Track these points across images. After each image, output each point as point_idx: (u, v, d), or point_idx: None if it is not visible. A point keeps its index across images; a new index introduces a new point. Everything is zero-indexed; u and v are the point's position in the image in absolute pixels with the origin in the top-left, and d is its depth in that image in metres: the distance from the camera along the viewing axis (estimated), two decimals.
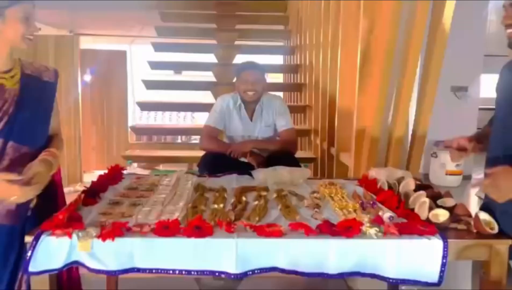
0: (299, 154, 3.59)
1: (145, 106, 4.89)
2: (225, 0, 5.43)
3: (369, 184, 2.09)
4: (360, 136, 2.54)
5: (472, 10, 4.08)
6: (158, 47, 5.08)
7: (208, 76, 5.65)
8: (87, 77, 6.57)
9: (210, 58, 5.28)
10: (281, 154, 2.64)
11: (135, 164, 5.89)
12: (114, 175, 2.13)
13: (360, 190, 2.05)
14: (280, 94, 6.05)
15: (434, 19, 2.23)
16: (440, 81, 6.19)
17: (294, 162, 2.63)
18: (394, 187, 1.99)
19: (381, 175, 2.13)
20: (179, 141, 8.69)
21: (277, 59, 6.89)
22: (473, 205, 3.79)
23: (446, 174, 5.77)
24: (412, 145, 2.41)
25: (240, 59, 5.16)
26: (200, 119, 9.65)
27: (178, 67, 6.02)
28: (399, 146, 2.36)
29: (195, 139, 8.47)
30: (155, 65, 4.87)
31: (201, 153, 2.79)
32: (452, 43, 5.10)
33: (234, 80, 2.79)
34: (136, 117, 10.03)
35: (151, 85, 4.56)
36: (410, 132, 2.58)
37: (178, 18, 5.40)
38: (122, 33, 7.72)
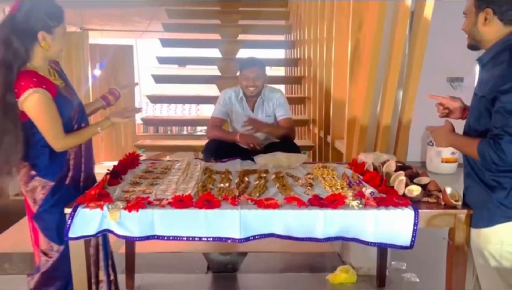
0: (299, 142, 3.86)
1: (154, 99, 5.16)
2: None
3: (357, 166, 2.37)
4: (351, 125, 2.80)
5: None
6: (165, 43, 5.36)
7: (212, 70, 5.90)
8: (97, 72, 6.85)
9: (215, 52, 5.55)
10: (283, 141, 2.92)
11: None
12: (132, 160, 2.41)
13: (349, 172, 2.32)
14: (282, 86, 6.30)
15: (416, 17, 2.48)
16: (437, 73, 6.45)
17: (294, 148, 2.90)
18: (379, 168, 2.25)
19: (369, 159, 2.41)
20: (184, 132, 9.00)
21: (279, 53, 7.13)
22: None
23: (442, 162, 6.05)
24: (398, 132, 2.67)
25: (243, 53, 5.41)
26: (205, 111, 9.93)
27: (184, 61, 6.27)
28: (386, 133, 2.62)
29: (200, 131, 8.78)
30: (163, 60, 5.14)
31: (206, 140, 3.07)
32: (448, 36, 5.33)
33: (238, 73, 3.05)
34: (143, 110, 10.33)
35: (160, 79, 4.83)
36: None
37: (184, 14, 5.65)
38: (130, 29, 7.96)
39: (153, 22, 6.96)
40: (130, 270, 2.61)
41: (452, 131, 1.74)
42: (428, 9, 2.39)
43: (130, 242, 2.54)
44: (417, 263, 3.04)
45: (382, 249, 2.68)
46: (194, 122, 6.79)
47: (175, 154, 4.73)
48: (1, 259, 3.20)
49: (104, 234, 1.84)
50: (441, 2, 2.55)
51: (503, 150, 1.49)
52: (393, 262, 3.09)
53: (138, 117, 8.48)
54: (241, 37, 5.49)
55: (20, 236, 3.83)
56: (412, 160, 6.50)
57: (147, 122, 5.31)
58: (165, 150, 4.67)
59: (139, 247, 2.70)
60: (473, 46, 1.73)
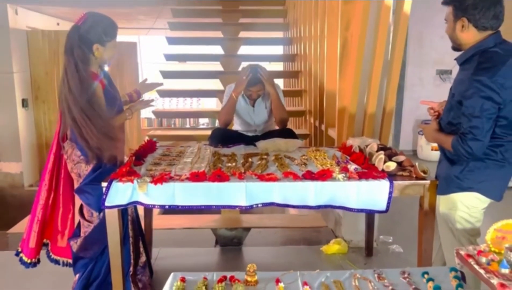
0: (296, 131, 4.21)
1: (163, 94, 5.51)
2: None
3: (345, 149, 2.73)
4: (341, 113, 3.16)
5: None
6: (171, 41, 5.71)
7: (214, 65, 6.23)
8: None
9: (217, 49, 5.89)
10: (282, 130, 3.27)
11: None
12: (150, 146, 2.78)
13: (338, 153, 2.69)
14: (281, 80, 6.65)
15: (396, 16, 2.83)
16: (427, 65, 6.76)
17: (292, 135, 3.24)
18: (363, 150, 2.62)
19: (356, 142, 2.77)
20: (187, 126, 9.34)
21: (278, 49, 7.47)
22: None
23: (432, 150, 6.41)
24: (382, 119, 3.03)
25: (244, 50, 5.76)
26: (206, 104, 10.27)
27: (189, 58, 6.61)
28: (372, 120, 2.98)
29: (203, 124, 9.13)
30: (169, 57, 5.49)
31: (209, 132, 3.42)
32: (438, 31, 5.64)
33: (239, 68, 3.38)
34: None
35: (167, 74, 5.18)
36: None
37: (188, 13, 5.98)
38: (135, 26, 8.28)
39: (158, 20, 7.29)
40: (148, 244, 2.97)
41: (437, 130, 2.06)
42: (407, 8, 2.74)
43: (148, 220, 2.92)
44: (402, 237, 3.41)
45: (369, 223, 3.06)
46: (199, 114, 7.22)
47: (186, 143, 5.10)
48: None
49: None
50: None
51: (469, 146, 1.83)
52: (381, 236, 3.46)
53: (143, 112, 8.84)
54: (242, 34, 5.82)
55: None
56: (405, 148, 6.87)
57: (157, 114, 5.69)
58: (173, 139, 5.04)
59: (155, 224, 3.07)
60: (455, 48, 2.00)
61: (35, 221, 2.28)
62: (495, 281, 1.52)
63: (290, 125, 4.94)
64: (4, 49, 6.13)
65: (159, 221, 3.54)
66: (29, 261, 2.30)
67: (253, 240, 3.39)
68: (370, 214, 2.96)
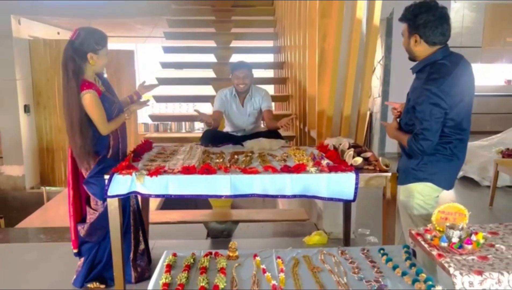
0: (283, 133, 4.54)
1: (159, 99, 5.82)
2: (222, 8, 6.36)
3: (322, 147, 3.05)
4: (320, 116, 3.48)
5: None
6: (167, 50, 6.05)
7: (207, 72, 6.57)
8: (105, 75, 7.47)
9: (210, 57, 6.23)
10: (269, 131, 3.59)
11: None
12: (146, 145, 3.08)
13: (316, 151, 3.00)
14: (271, 86, 6.98)
15: (367, 27, 3.15)
16: (410, 72, 7.09)
17: (277, 136, 3.55)
18: (338, 148, 2.93)
19: (332, 142, 3.09)
20: (183, 130, 9.64)
21: (269, 57, 7.82)
22: None
23: None
24: (357, 121, 3.35)
25: (235, 58, 6.09)
26: (201, 109, 10.59)
27: (184, 66, 6.94)
28: (347, 122, 3.29)
29: (198, 129, 9.44)
30: (165, 65, 5.83)
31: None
32: None
33: (230, 76, 3.72)
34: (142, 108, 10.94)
35: (163, 81, 5.48)
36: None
37: (182, 24, 6.32)
38: (132, 35, 8.61)
39: (154, 29, 7.62)
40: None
41: (396, 129, 2.37)
42: (376, 21, 3.06)
43: (145, 214, 3.21)
44: (379, 230, 3.68)
45: (346, 216, 3.36)
46: (193, 118, 7.49)
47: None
48: (37, 232, 3.87)
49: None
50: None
51: (421, 145, 2.14)
52: (359, 229, 3.77)
53: (140, 118, 9.13)
54: (234, 43, 6.15)
55: (47, 216, 4.52)
56: (390, 151, 7.19)
57: (154, 118, 6.00)
58: (169, 141, 5.35)
59: (151, 218, 3.37)
60: (411, 59, 2.31)
61: (70, 217, 2.63)
62: (435, 252, 1.83)
63: None
64: (8, 57, 6.45)
65: (155, 216, 3.84)
66: (74, 251, 2.68)
67: (242, 232, 3.69)
68: (347, 208, 3.26)
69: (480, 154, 5.38)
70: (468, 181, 5.22)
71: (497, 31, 8.61)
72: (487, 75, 9.49)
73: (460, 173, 5.31)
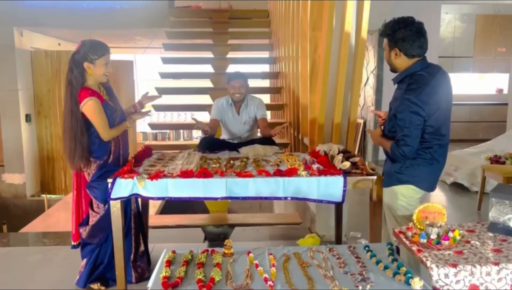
0: (278, 141, 4.71)
1: (158, 108, 5.99)
2: (219, 20, 6.56)
3: (314, 153, 3.20)
4: (312, 124, 3.64)
5: (426, 17, 5.05)
6: (166, 60, 6.24)
7: (205, 82, 6.75)
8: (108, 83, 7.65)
9: (208, 68, 6.42)
10: (263, 138, 3.75)
11: None
12: (147, 151, 3.23)
13: (308, 157, 3.16)
14: (267, 95, 7.17)
15: (356, 40, 3.34)
16: None
17: (271, 143, 3.71)
18: (328, 154, 3.09)
19: (323, 148, 3.25)
20: (181, 139, 9.80)
21: (265, 68, 8.03)
22: None
23: None
24: (348, 128, 3.52)
25: (232, 68, 6.29)
26: (199, 118, 10.77)
27: (182, 76, 7.12)
28: (338, 129, 3.46)
29: (196, 138, 9.61)
30: (164, 75, 6.01)
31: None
32: None
33: (227, 86, 3.89)
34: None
35: (162, 91, 5.65)
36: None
37: (181, 36, 6.52)
38: (132, 46, 8.80)
39: (153, 41, 7.82)
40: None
41: (380, 135, 2.54)
42: (364, 34, 3.25)
43: (144, 218, 3.35)
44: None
45: (338, 219, 3.50)
46: (191, 126, 7.65)
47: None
48: (39, 236, 4.00)
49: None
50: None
51: (402, 150, 2.31)
52: (351, 233, 3.89)
53: (139, 126, 9.29)
54: (231, 54, 6.34)
55: (49, 222, 4.66)
56: (383, 158, 7.33)
57: (153, 126, 6.16)
58: (167, 149, 5.50)
59: (151, 222, 3.50)
60: (392, 70, 2.49)
61: (72, 214, 2.79)
62: (415, 248, 1.99)
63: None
64: (10, 68, 6.62)
65: (154, 220, 3.98)
66: (74, 243, 2.83)
67: (238, 236, 3.83)
68: (339, 212, 3.40)
69: (470, 161, 5.54)
70: (458, 187, 5.38)
71: (488, 41, 8.84)
72: (479, 84, 9.71)
73: (451, 179, 5.47)
